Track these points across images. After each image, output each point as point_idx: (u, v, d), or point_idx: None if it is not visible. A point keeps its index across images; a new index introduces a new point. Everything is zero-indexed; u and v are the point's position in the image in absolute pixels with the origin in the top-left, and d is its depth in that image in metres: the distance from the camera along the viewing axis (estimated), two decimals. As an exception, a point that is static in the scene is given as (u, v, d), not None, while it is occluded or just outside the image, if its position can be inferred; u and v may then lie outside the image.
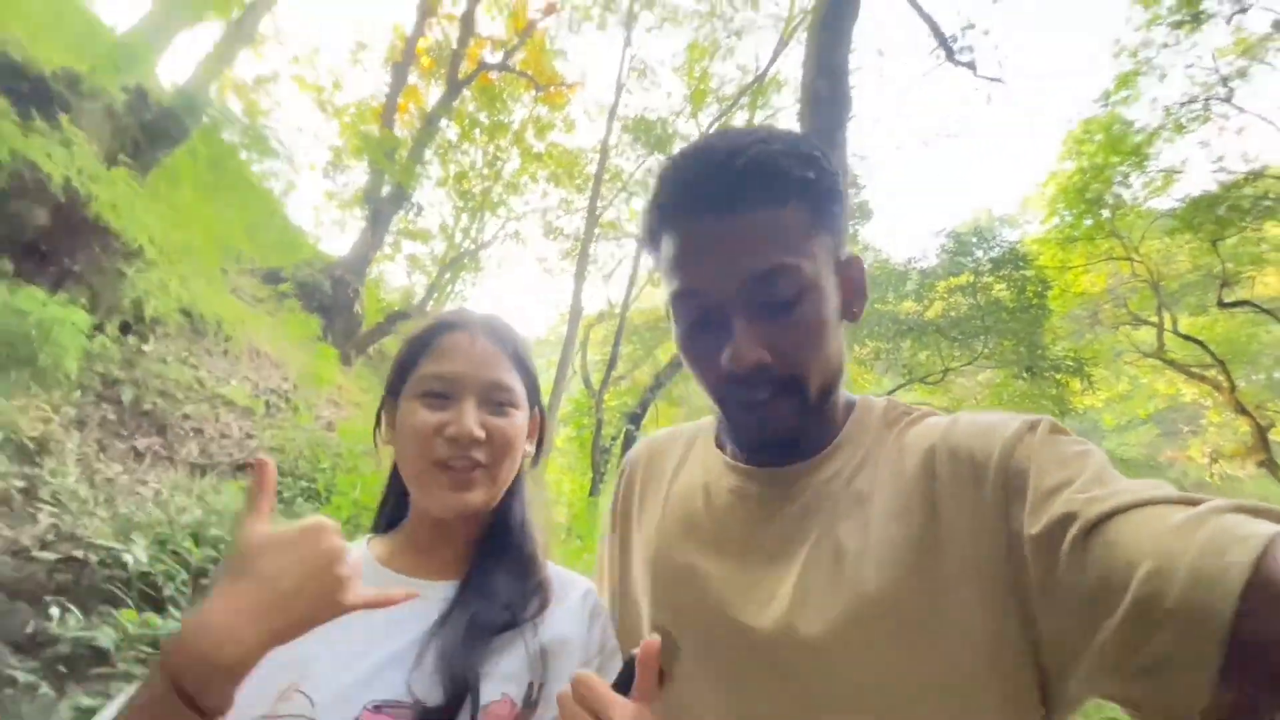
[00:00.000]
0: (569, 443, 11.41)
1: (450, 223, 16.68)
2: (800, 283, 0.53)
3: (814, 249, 0.54)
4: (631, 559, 0.72)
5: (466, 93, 12.16)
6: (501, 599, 0.67)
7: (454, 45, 11.64)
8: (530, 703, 0.63)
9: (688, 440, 0.74)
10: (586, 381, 12.84)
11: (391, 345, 10.00)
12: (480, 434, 0.67)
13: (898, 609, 0.49)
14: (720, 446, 0.68)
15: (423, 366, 0.71)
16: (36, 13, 4.13)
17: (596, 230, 12.37)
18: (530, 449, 0.77)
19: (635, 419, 10.58)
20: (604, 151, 11.31)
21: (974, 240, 9.88)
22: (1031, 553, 0.43)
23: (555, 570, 0.76)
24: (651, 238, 0.60)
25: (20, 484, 2.42)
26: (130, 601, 1.88)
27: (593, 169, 14.18)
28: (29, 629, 1.73)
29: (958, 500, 0.49)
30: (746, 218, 0.52)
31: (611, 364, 11.28)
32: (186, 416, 3.69)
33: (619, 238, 14.16)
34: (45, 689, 1.64)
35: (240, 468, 3.46)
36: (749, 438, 0.60)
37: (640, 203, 13.70)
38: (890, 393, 12.42)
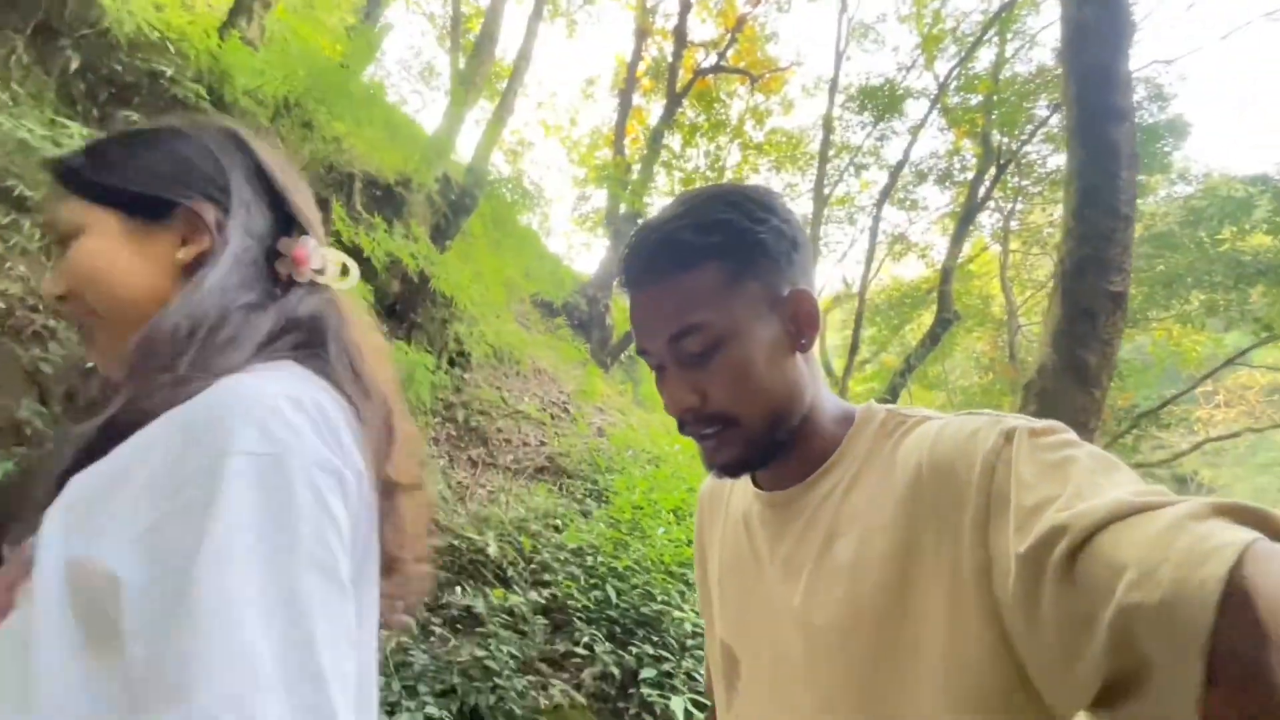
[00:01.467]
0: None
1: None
2: (712, 336, 0.58)
3: (731, 300, 0.59)
4: (709, 592, 0.78)
5: (686, 102, 12.70)
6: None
7: (669, 59, 12.28)
8: None
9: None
10: (828, 368, 12.45)
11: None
12: (53, 289, 0.59)
13: (884, 624, 0.52)
14: (752, 478, 0.72)
15: None
16: (368, 133, 5.45)
17: (825, 211, 11.90)
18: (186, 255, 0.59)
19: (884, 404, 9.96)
20: (827, 127, 10.83)
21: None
22: (1018, 572, 0.43)
23: None
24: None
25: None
26: (490, 579, 2.54)
27: (814, 147, 13.70)
28: (431, 595, 2.49)
29: (940, 517, 0.50)
30: (659, 287, 0.60)
31: (854, 348, 10.78)
32: (500, 430, 4.65)
33: (852, 213, 13.40)
34: (444, 633, 2.33)
35: (540, 470, 4.26)
36: (707, 466, 0.65)
37: (872, 175, 12.80)
38: (1241, 354, 9.62)
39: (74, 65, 3.81)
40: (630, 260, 0.63)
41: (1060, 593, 0.40)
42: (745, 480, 0.73)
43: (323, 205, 4.47)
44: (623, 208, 11.40)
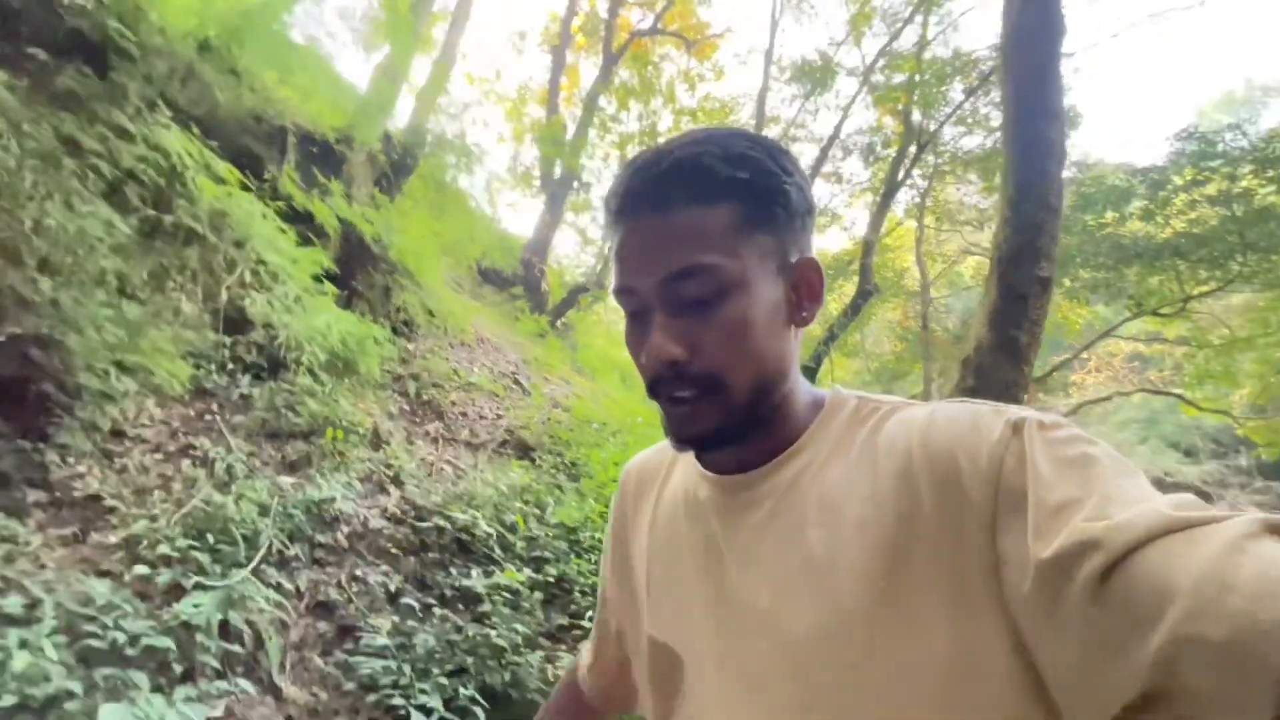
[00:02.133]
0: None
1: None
2: (720, 281, 0.52)
3: (744, 249, 0.53)
4: (631, 578, 0.71)
5: (620, 63, 12.42)
6: None
7: (604, 17, 11.93)
8: None
9: (673, 458, 0.72)
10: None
11: (577, 318, 10.95)
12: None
13: (871, 625, 0.47)
14: (701, 459, 0.66)
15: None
16: (301, 81, 5.04)
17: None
18: None
19: (809, 372, 10.53)
20: (761, 100, 10.98)
21: (1227, 134, 8.10)
22: (1039, 579, 0.40)
23: None
24: (605, 236, 0.61)
25: (374, 468, 3.28)
26: (480, 558, 2.56)
27: (744, 115, 13.86)
28: (421, 576, 2.46)
29: (938, 511, 0.47)
30: (669, 217, 0.53)
31: (782, 318, 11.20)
32: (454, 403, 4.56)
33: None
34: (444, 613, 2.34)
35: (502, 444, 4.24)
36: (675, 436, 0.58)
37: (800, 148, 13.15)
38: (1115, 326, 10.88)
39: (-54, -14, 3.26)
40: (633, 183, 0.55)
41: (1090, 610, 0.37)
42: (686, 461, 0.67)
43: (257, 162, 4.10)
44: (558, 169, 11.14)
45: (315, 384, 3.57)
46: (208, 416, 3.19)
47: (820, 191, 12.54)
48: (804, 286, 0.57)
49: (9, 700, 1.49)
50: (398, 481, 3.25)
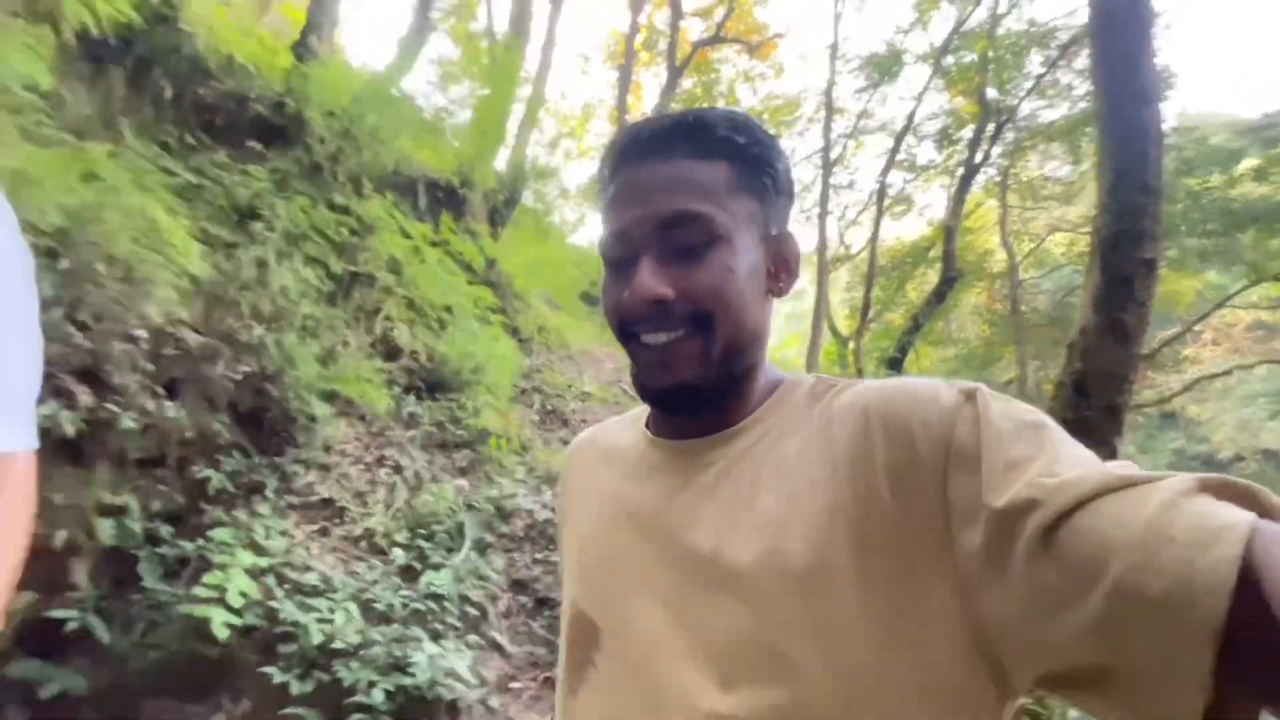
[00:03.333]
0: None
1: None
2: (711, 231, 0.54)
3: (733, 206, 0.55)
4: (573, 553, 0.69)
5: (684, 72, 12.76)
6: None
7: (665, 30, 12.33)
8: None
9: (617, 431, 0.72)
10: (834, 330, 12.88)
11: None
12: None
13: (828, 585, 0.47)
14: (649, 426, 0.66)
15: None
16: (415, 133, 5.67)
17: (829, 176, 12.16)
18: None
19: (895, 363, 10.44)
20: (829, 96, 11.03)
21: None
22: (989, 528, 0.41)
23: None
24: (599, 198, 0.62)
25: (526, 470, 3.77)
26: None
27: (808, 110, 13.88)
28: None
29: (892, 469, 0.48)
30: (668, 165, 0.55)
31: (865, 308, 11.19)
32: (574, 411, 5.04)
33: (852, 178, 13.66)
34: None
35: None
36: (648, 384, 0.58)
37: (870, 139, 13.04)
38: (1231, 295, 10.13)
39: (168, 94, 4.01)
40: (637, 133, 0.57)
41: (1037, 562, 0.38)
42: (636, 431, 0.67)
43: (432, 212, 4.75)
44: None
45: (469, 401, 4.12)
46: (388, 432, 3.78)
47: (894, 180, 12.40)
48: (784, 259, 0.60)
49: (336, 645, 2.00)
50: (548, 480, 3.73)
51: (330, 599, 2.17)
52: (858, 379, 0.58)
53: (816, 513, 0.49)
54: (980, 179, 11.92)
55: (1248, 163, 8.41)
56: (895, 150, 11.52)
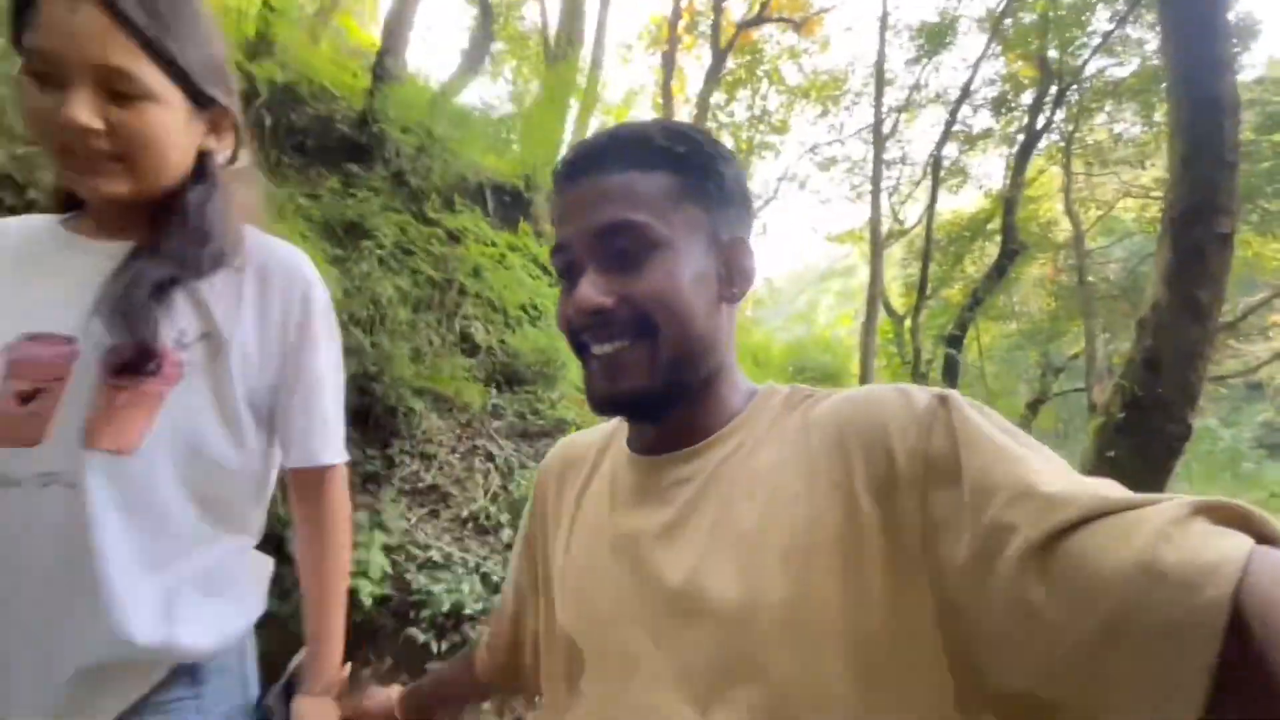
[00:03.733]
0: (882, 374, 11.42)
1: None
2: (649, 240, 0.54)
3: (674, 217, 0.56)
4: (547, 564, 0.70)
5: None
6: (170, 257, 0.71)
7: (711, 15, 12.27)
8: (184, 345, 0.70)
9: (601, 444, 0.71)
10: (889, 308, 12.68)
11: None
12: (95, 124, 0.64)
13: (800, 601, 0.47)
14: (628, 442, 0.66)
15: (26, 36, 0.64)
16: (479, 140, 5.95)
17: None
18: (215, 145, 0.78)
19: (954, 341, 10.23)
20: (879, 67, 10.79)
21: None
22: (973, 547, 0.41)
23: (268, 242, 0.82)
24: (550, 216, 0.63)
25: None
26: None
27: (855, 84, 13.57)
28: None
29: (871, 481, 0.47)
30: (607, 179, 0.56)
31: (923, 285, 10.98)
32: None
33: (904, 151, 13.33)
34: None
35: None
36: (598, 394, 0.58)
37: (923, 111, 12.66)
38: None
39: (268, 122, 4.40)
40: (579, 150, 0.59)
41: (1024, 578, 0.38)
42: (615, 449, 0.67)
43: (499, 215, 5.07)
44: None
45: (545, 392, 4.42)
46: (474, 424, 4.11)
47: (949, 151, 12.04)
48: (736, 265, 0.60)
49: (465, 611, 2.32)
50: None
51: (452, 572, 2.49)
52: (834, 390, 0.58)
53: (795, 530, 0.49)
54: (1042, 145, 11.46)
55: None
56: (951, 121, 11.19)
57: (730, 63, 14.05)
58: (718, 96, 13.73)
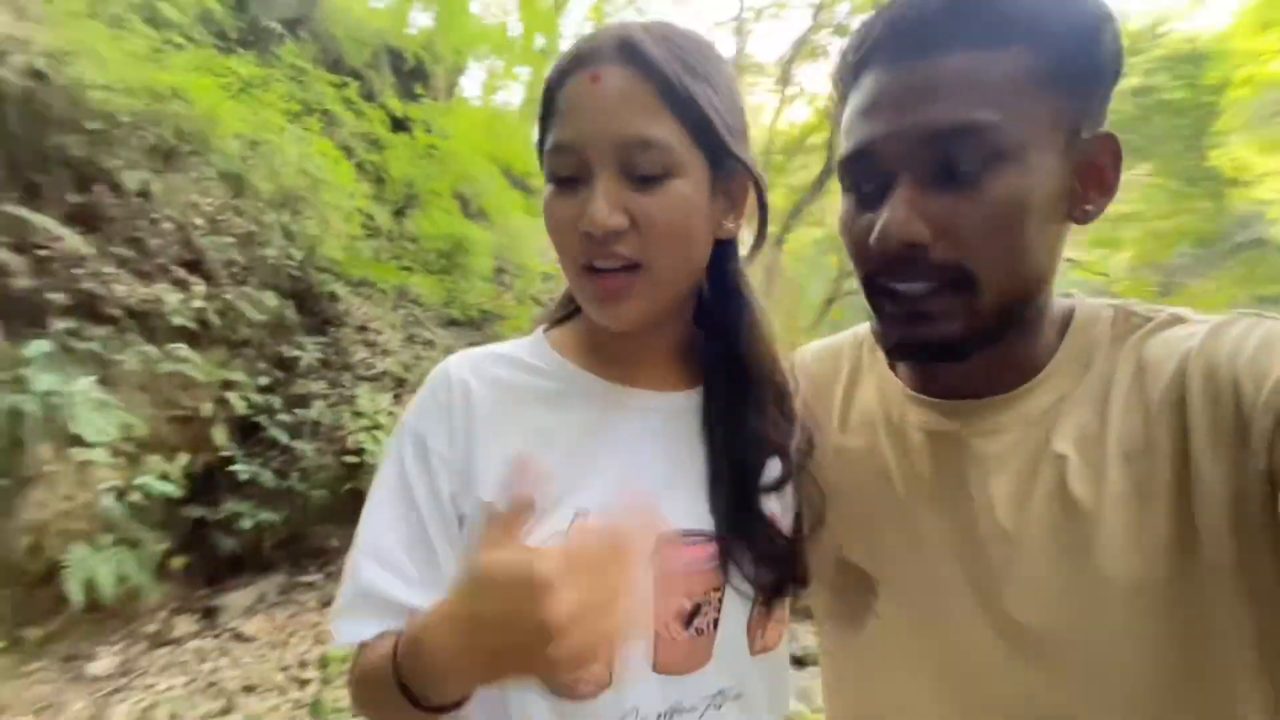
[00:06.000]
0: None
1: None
2: (995, 147, 0.42)
3: (1032, 110, 0.42)
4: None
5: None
6: (760, 432, 0.56)
7: None
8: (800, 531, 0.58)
9: (852, 360, 0.64)
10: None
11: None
12: (618, 222, 0.48)
13: (1139, 594, 0.41)
14: (893, 368, 0.58)
15: (550, 134, 0.52)
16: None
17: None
18: (735, 226, 0.56)
19: (777, 242, 11.70)
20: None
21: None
22: None
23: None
24: (841, 98, 0.50)
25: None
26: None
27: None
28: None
29: (1216, 447, 0.40)
30: (938, 62, 0.43)
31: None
32: (542, 291, 5.64)
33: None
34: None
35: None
36: (896, 342, 0.49)
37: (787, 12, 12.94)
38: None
39: None
40: (892, 22, 0.45)
41: None
42: (879, 367, 0.60)
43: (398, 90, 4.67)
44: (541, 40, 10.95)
45: (462, 280, 4.60)
46: (402, 310, 4.22)
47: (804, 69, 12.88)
48: (1096, 173, 0.46)
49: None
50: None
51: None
52: (1165, 311, 0.48)
53: (1133, 501, 0.42)
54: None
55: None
56: (809, 30, 11.91)
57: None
58: None
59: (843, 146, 0.49)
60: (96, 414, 2.27)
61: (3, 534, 2.23)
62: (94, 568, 2.35)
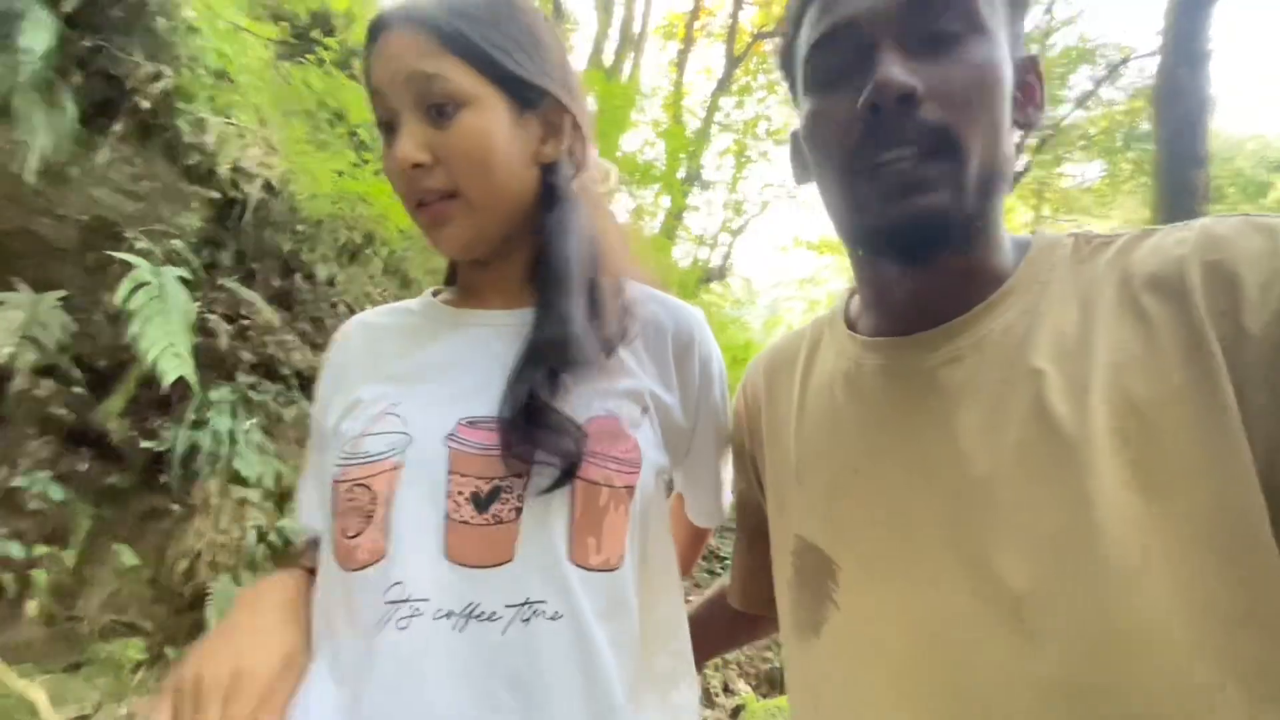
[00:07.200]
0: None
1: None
2: (972, 19, 0.44)
3: (994, 1, 0.46)
4: (766, 480, 0.63)
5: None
6: (569, 332, 0.55)
7: (728, 19, 12.61)
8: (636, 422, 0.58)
9: (812, 338, 0.63)
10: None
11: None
12: (420, 156, 0.54)
13: (1138, 519, 0.36)
14: (852, 326, 0.57)
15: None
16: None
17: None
18: (555, 150, 0.61)
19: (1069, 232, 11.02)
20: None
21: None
22: None
23: (647, 293, 0.66)
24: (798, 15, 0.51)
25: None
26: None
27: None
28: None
29: (1214, 345, 0.37)
30: None
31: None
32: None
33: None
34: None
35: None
36: (889, 220, 0.45)
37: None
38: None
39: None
40: None
41: None
42: (835, 332, 0.58)
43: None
44: (682, 170, 12.03)
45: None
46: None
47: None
48: (1026, 88, 0.50)
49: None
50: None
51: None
52: (1136, 230, 0.47)
53: (1127, 412, 0.39)
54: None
55: (1275, 195, 8.93)
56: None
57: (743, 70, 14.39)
58: (726, 101, 14.10)
59: (813, 35, 0.49)
60: (256, 456, 2.60)
61: (166, 556, 2.55)
62: (232, 599, 2.58)
